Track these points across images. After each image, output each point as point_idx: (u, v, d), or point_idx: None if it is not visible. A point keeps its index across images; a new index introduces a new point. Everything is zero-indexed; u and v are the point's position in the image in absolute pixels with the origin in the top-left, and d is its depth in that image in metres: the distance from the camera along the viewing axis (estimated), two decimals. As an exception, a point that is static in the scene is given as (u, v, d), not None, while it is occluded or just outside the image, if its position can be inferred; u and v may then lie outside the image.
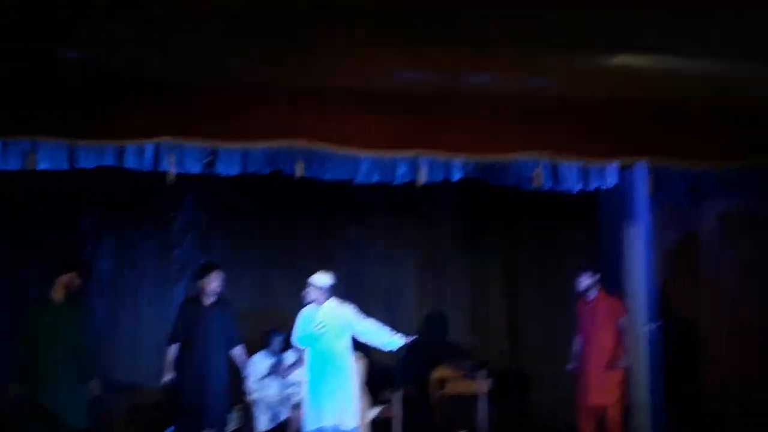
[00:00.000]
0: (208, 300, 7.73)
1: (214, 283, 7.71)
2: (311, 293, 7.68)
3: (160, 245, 9.70)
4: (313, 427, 7.49)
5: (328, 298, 7.71)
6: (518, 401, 10.13)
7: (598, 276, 8.57)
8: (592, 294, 8.53)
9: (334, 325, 7.63)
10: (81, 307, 7.62)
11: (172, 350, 7.68)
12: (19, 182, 8.56)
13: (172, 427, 8.00)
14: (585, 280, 8.52)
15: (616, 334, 8.40)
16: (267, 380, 9.14)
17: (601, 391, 8.31)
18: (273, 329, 9.18)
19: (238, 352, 7.92)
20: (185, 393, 7.58)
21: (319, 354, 7.60)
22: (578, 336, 8.63)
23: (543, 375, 10.10)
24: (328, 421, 7.45)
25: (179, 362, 7.66)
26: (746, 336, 8.14)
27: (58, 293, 7.27)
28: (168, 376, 7.62)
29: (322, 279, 7.73)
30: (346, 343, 7.69)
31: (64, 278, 7.28)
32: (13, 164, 7.21)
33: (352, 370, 7.75)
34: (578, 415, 8.44)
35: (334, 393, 7.51)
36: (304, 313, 7.75)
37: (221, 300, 7.87)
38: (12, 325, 9.08)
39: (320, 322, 7.58)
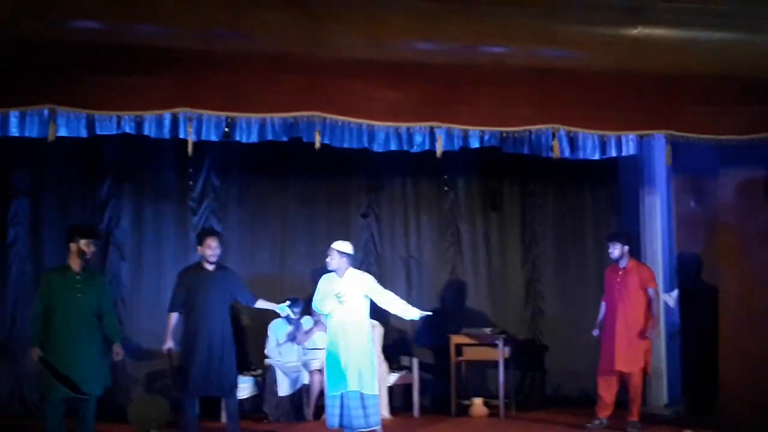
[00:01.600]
0: (209, 266, 7.78)
1: (209, 250, 7.75)
2: (333, 261, 7.75)
3: (178, 213, 9.73)
4: (335, 393, 7.59)
5: (348, 267, 7.78)
6: (535, 369, 10.18)
7: (628, 245, 8.60)
8: (623, 262, 8.56)
9: (354, 294, 7.71)
10: (98, 273, 7.65)
11: (172, 319, 7.72)
12: (39, 150, 8.69)
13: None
14: (616, 249, 8.55)
15: (646, 302, 8.47)
16: (286, 346, 9.24)
17: (629, 358, 8.37)
18: (290, 297, 9.26)
19: (261, 303, 8.02)
20: (191, 360, 7.61)
21: (339, 321, 7.68)
22: (604, 302, 8.69)
23: (561, 343, 10.14)
24: (349, 387, 7.54)
25: (185, 329, 7.70)
26: (764, 305, 8.12)
27: (73, 260, 7.27)
28: (168, 345, 7.69)
29: (344, 246, 7.80)
30: (365, 311, 7.77)
31: (79, 245, 7.26)
32: (33, 131, 7.27)
33: (371, 337, 7.83)
34: (599, 380, 8.52)
35: (355, 359, 7.60)
36: (325, 280, 7.83)
37: (222, 266, 7.92)
38: (34, 292, 9.29)
39: (341, 291, 7.65)
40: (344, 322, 7.66)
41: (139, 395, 8.73)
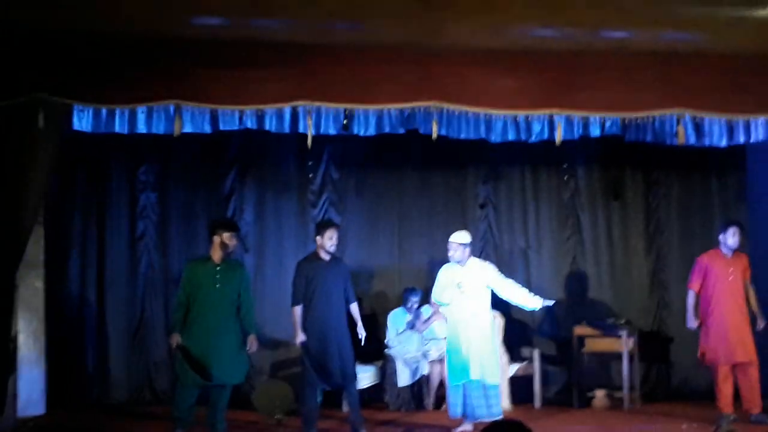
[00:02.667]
0: (325, 257, 7.85)
1: (329, 241, 7.80)
2: (455, 253, 7.75)
3: (299, 206, 9.88)
4: (457, 383, 7.59)
5: (470, 256, 7.76)
6: (661, 361, 9.94)
7: (744, 235, 8.31)
8: (729, 251, 8.23)
9: (475, 283, 7.68)
10: (239, 265, 7.81)
11: (298, 311, 7.75)
12: (165, 146, 8.96)
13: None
14: (735, 236, 8.19)
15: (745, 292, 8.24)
16: (405, 335, 9.27)
17: (747, 348, 8.07)
18: (408, 287, 9.26)
19: (354, 309, 8.00)
20: (311, 350, 7.67)
21: (460, 311, 7.66)
22: (694, 291, 8.30)
23: (687, 335, 9.85)
24: (471, 376, 7.54)
25: (304, 319, 7.75)
26: None
27: (215, 252, 7.46)
28: (301, 337, 7.71)
29: (462, 236, 7.80)
30: (486, 300, 7.75)
31: (222, 237, 7.44)
32: (160, 128, 7.48)
33: (493, 327, 7.80)
34: (719, 374, 8.11)
35: (477, 349, 7.59)
36: (446, 270, 7.83)
37: (336, 257, 7.98)
38: (162, 283, 9.60)
39: (461, 280, 7.64)
40: (465, 312, 7.65)
41: (263, 382, 8.91)
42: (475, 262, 7.85)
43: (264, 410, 8.25)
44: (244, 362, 7.53)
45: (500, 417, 7.57)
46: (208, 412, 7.42)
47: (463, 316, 7.67)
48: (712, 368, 8.20)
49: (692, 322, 8.31)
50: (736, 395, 8.16)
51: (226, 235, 7.45)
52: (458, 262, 7.79)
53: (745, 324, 8.16)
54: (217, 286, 7.36)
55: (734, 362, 8.09)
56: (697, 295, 8.30)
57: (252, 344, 7.44)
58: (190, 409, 7.33)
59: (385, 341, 9.33)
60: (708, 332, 8.20)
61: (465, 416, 7.62)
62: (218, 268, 7.41)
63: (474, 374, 7.56)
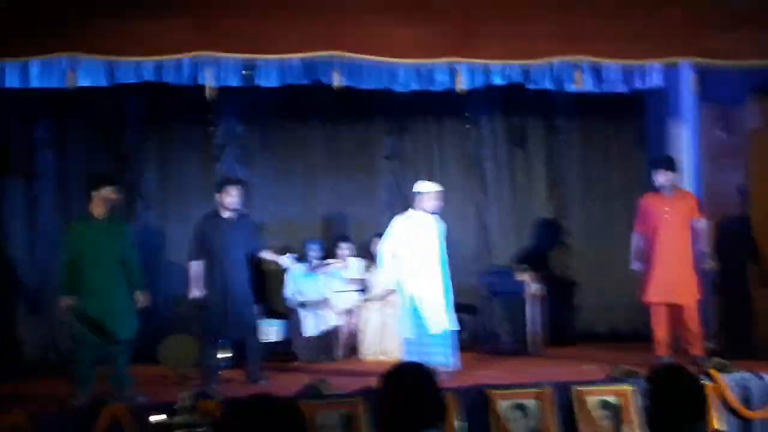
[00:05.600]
0: (226, 214, 7.79)
1: (229, 198, 7.75)
2: (437, 200, 7.81)
3: (203, 161, 9.78)
4: (437, 332, 7.67)
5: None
6: (565, 305, 10.16)
7: (673, 172, 8.16)
8: (668, 191, 8.11)
9: (438, 236, 7.79)
10: (122, 221, 7.65)
11: (194, 267, 7.77)
12: (61, 100, 8.71)
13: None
14: (660, 176, 8.09)
15: (692, 232, 8.08)
16: (303, 282, 9.23)
17: (685, 290, 7.95)
18: (309, 239, 9.26)
19: (265, 254, 8.05)
20: (210, 305, 7.71)
21: (425, 261, 7.73)
22: (638, 233, 8.25)
23: (589, 279, 10.12)
24: (435, 328, 7.64)
25: (205, 276, 7.75)
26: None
27: (97, 208, 7.23)
28: (195, 293, 7.73)
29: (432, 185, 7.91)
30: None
31: (102, 193, 7.22)
32: (54, 82, 7.28)
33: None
34: (652, 316, 8.07)
35: (443, 300, 7.71)
36: (404, 219, 7.88)
37: (241, 214, 7.94)
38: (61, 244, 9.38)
39: (429, 231, 7.75)
40: (429, 261, 7.76)
41: (168, 337, 8.82)
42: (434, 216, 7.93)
43: (169, 364, 8.18)
44: (135, 317, 7.37)
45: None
46: (113, 373, 7.28)
47: (429, 267, 7.74)
48: (649, 309, 8.11)
49: (634, 264, 8.23)
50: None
51: (107, 190, 7.23)
52: (423, 209, 7.81)
53: (686, 264, 8.01)
54: (103, 243, 7.18)
55: (670, 302, 8.00)
56: (641, 236, 8.20)
57: (142, 300, 7.35)
58: (90, 369, 7.19)
59: (283, 293, 9.30)
60: (646, 272, 8.10)
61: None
62: (101, 226, 7.22)
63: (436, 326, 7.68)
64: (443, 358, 7.60)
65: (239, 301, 7.75)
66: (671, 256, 8.02)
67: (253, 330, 7.97)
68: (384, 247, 7.89)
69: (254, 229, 8.09)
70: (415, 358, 7.50)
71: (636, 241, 8.27)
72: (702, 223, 8.15)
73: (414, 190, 7.94)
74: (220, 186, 7.89)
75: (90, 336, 7.10)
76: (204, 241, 7.74)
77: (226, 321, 7.69)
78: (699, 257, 8.12)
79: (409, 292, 7.75)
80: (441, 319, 7.69)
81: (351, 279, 9.31)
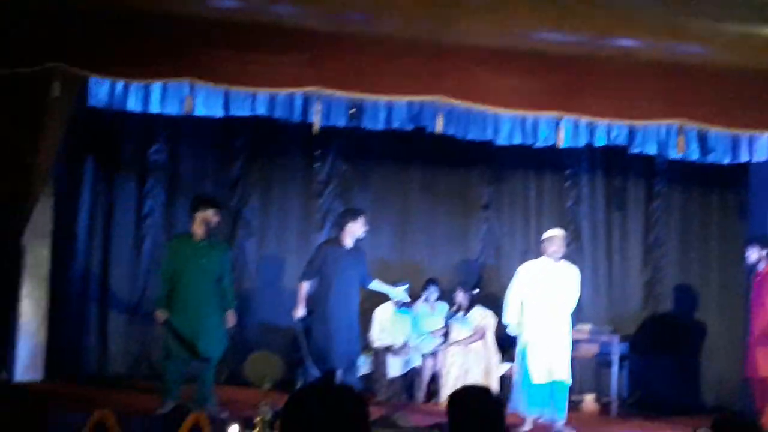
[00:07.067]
0: (348, 244, 7.96)
1: (362, 228, 7.93)
2: (559, 246, 7.89)
3: (305, 195, 10.04)
4: (539, 382, 7.72)
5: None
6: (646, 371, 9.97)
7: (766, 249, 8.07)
8: (761, 266, 8.05)
9: (566, 285, 7.89)
10: (222, 243, 7.95)
11: (304, 287, 7.93)
12: (177, 127, 9.13)
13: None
14: (753, 253, 8.08)
15: None
16: (393, 325, 9.30)
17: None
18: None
19: (378, 284, 8.19)
20: (318, 333, 7.82)
21: (547, 309, 7.82)
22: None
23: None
24: (553, 376, 7.70)
25: (314, 302, 7.90)
26: None
27: (197, 229, 7.54)
28: (300, 313, 7.88)
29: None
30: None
31: (203, 214, 7.53)
32: (171, 107, 7.63)
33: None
34: (756, 391, 7.95)
35: (559, 349, 7.79)
36: (531, 265, 7.99)
37: (357, 246, 8.10)
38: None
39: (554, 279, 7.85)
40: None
41: (254, 353, 9.02)
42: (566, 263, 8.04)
43: (254, 378, 8.35)
44: (224, 337, 7.62)
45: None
46: (197, 388, 7.54)
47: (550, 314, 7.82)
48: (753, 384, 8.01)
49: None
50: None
51: (208, 212, 7.53)
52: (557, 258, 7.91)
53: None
54: (200, 262, 7.46)
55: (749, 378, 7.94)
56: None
57: (230, 319, 7.59)
58: (178, 383, 7.46)
59: (368, 335, 9.28)
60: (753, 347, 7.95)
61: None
62: (201, 245, 7.50)
63: (552, 375, 7.72)
64: (549, 410, 7.64)
65: (351, 333, 7.87)
66: (755, 333, 7.93)
67: (353, 364, 8.03)
68: (510, 292, 8.00)
69: (366, 261, 8.24)
70: (520, 408, 7.58)
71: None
72: None
73: (542, 237, 8.05)
74: (354, 215, 8.06)
75: (179, 350, 7.37)
76: (322, 266, 7.89)
77: (331, 349, 7.78)
78: None
79: (525, 340, 7.81)
80: (552, 369, 7.70)
81: (435, 323, 9.36)
